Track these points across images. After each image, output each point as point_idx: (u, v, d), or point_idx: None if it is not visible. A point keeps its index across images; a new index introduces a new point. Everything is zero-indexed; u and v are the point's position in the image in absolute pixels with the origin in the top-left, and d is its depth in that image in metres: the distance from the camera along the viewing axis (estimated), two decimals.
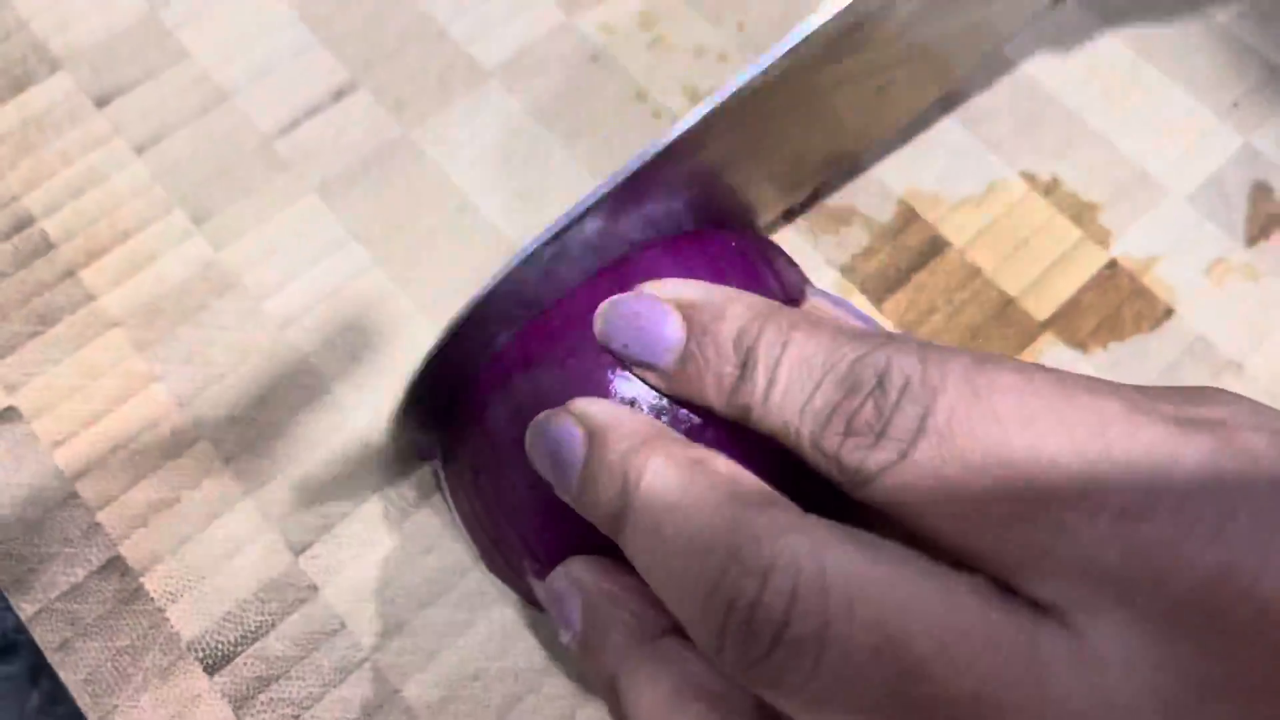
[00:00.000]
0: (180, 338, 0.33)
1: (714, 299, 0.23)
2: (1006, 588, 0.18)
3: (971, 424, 0.18)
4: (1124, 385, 0.19)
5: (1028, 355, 0.33)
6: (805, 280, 0.28)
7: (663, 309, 0.23)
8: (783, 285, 0.26)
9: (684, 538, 0.19)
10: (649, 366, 0.23)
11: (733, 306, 0.22)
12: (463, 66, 0.38)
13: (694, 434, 0.23)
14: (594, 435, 0.22)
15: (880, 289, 0.34)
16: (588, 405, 0.23)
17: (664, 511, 0.20)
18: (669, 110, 0.37)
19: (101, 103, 0.37)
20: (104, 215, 0.35)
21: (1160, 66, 0.38)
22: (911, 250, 0.35)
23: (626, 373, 0.24)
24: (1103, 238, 0.35)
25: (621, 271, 0.25)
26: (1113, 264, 0.35)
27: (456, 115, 0.37)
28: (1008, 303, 0.34)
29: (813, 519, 0.19)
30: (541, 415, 0.23)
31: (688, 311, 0.23)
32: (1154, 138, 0.37)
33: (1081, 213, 0.35)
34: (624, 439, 0.21)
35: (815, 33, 0.23)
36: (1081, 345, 0.34)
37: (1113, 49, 0.38)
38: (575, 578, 0.24)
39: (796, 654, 0.17)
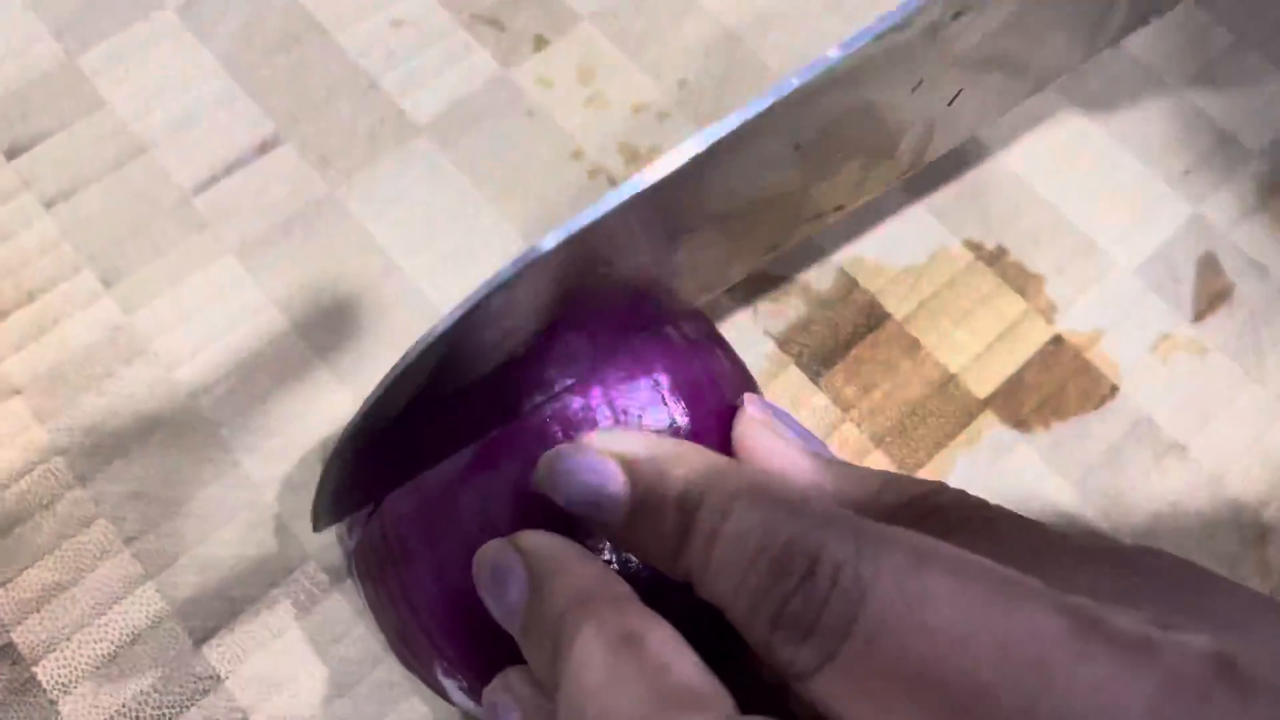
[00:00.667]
0: (84, 407, 0.32)
1: (656, 454, 0.22)
2: None
3: (901, 635, 0.17)
4: (1088, 558, 0.18)
5: (968, 434, 0.32)
6: (748, 380, 0.27)
7: (608, 468, 0.22)
8: (723, 399, 0.25)
9: None
10: (595, 521, 0.22)
11: (676, 468, 0.21)
12: (393, 121, 0.36)
13: (647, 578, 0.22)
14: (535, 577, 0.21)
15: (818, 363, 0.33)
16: (533, 540, 0.22)
17: (586, 693, 0.19)
18: (605, 169, 0.36)
19: (12, 154, 0.35)
20: (8, 274, 0.33)
21: (1110, 130, 0.37)
22: (850, 322, 0.34)
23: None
24: (1048, 311, 0.34)
25: (565, 416, 0.24)
26: (1057, 339, 0.34)
27: (384, 172, 0.35)
28: (949, 379, 0.33)
29: None
30: (488, 544, 0.23)
31: (631, 466, 0.22)
32: (1103, 206, 0.36)
33: (1026, 284, 0.34)
34: (563, 593, 0.21)
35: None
36: (1023, 424, 0.33)
37: (1063, 112, 0.37)
38: (514, 691, 0.22)
39: None
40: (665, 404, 0.25)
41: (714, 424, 0.26)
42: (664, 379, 0.26)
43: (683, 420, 0.25)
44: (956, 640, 0.16)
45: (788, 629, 0.18)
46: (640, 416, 0.25)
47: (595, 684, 0.19)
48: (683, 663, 0.19)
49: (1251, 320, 0.34)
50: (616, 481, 0.22)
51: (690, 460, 0.22)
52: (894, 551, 0.17)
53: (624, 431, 0.23)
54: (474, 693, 0.25)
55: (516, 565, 0.22)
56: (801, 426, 0.26)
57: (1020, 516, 0.22)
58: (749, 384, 0.28)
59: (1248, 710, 0.15)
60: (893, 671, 0.17)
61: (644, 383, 0.26)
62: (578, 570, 0.21)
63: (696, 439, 0.25)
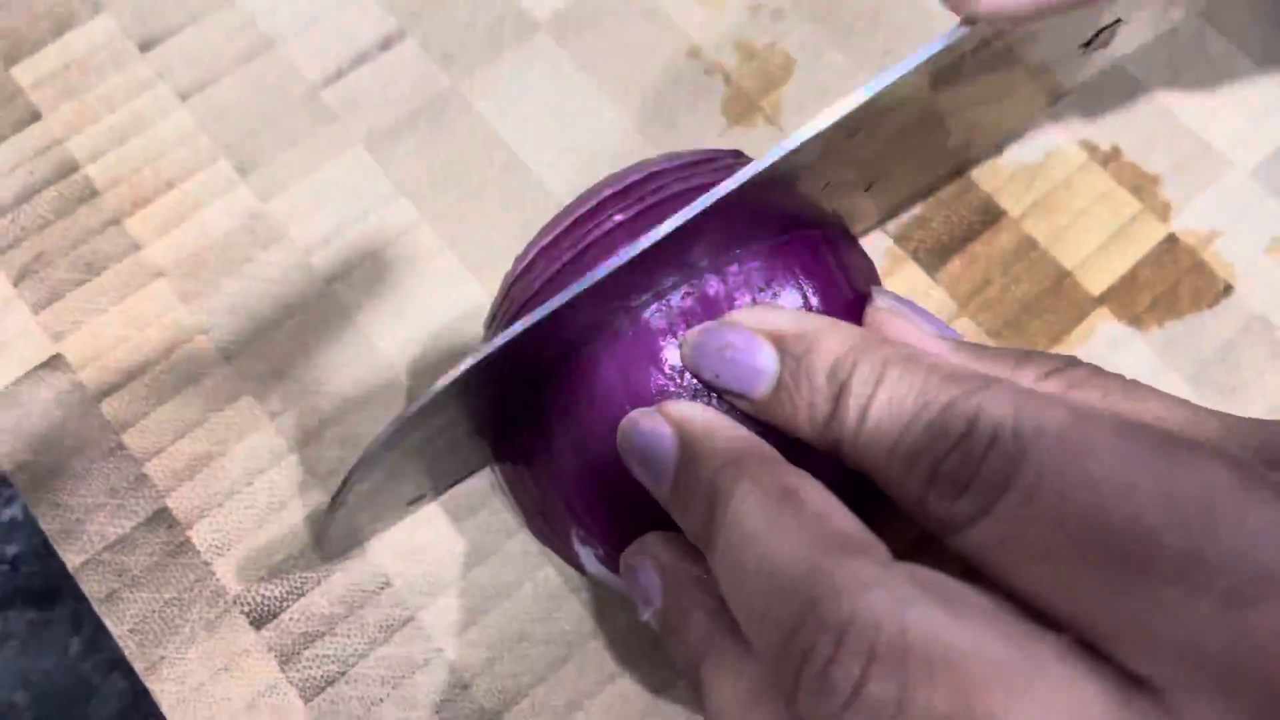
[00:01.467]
0: (225, 290, 0.33)
1: (806, 329, 0.22)
2: (1099, 653, 0.17)
3: (1062, 486, 0.17)
4: (1236, 442, 0.18)
5: (1081, 331, 0.33)
6: (875, 277, 0.27)
7: (755, 341, 0.23)
8: (855, 289, 0.26)
9: (765, 576, 0.19)
10: (740, 395, 0.23)
11: (826, 339, 0.22)
12: (513, 18, 0.37)
13: (786, 450, 0.22)
14: (686, 444, 0.22)
15: (934, 259, 0.34)
16: (681, 409, 0.23)
17: (747, 544, 0.19)
18: (721, 67, 0.36)
19: (145, 47, 0.36)
20: (148, 163, 0.34)
21: (1227, 36, 0.37)
22: (966, 219, 0.34)
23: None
24: (1163, 211, 0.34)
25: (704, 294, 0.25)
26: (1172, 238, 0.34)
27: (506, 69, 0.36)
28: (1063, 276, 0.33)
29: (898, 569, 0.18)
30: (635, 413, 0.23)
31: (779, 341, 0.22)
32: (1218, 109, 0.36)
33: (1141, 184, 0.35)
34: (715, 454, 0.21)
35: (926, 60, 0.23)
36: (1137, 322, 0.33)
37: (1183, 21, 0.37)
38: (654, 555, 0.23)
39: (872, 716, 0.17)
40: (800, 287, 0.26)
41: (846, 311, 0.26)
42: (798, 265, 0.26)
43: (815, 302, 0.26)
44: (1120, 488, 0.16)
45: (944, 484, 0.18)
46: (776, 296, 0.26)
47: (756, 532, 0.19)
48: (840, 514, 0.20)
49: None
50: (766, 356, 0.22)
51: (840, 333, 0.22)
52: (1053, 410, 0.18)
53: (772, 307, 0.24)
54: (609, 560, 0.26)
55: (665, 430, 0.22)
56: (931, 315, 0.26)
57: (1158, 390, 0.22)
58: (876, 280, 0.28)
59: None
60: (1053, 521, 0.17)
61: (780, 265, 0.26)
62: (728, 433, 0.22)
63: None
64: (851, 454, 0.21)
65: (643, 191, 0.26)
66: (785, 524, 0.19)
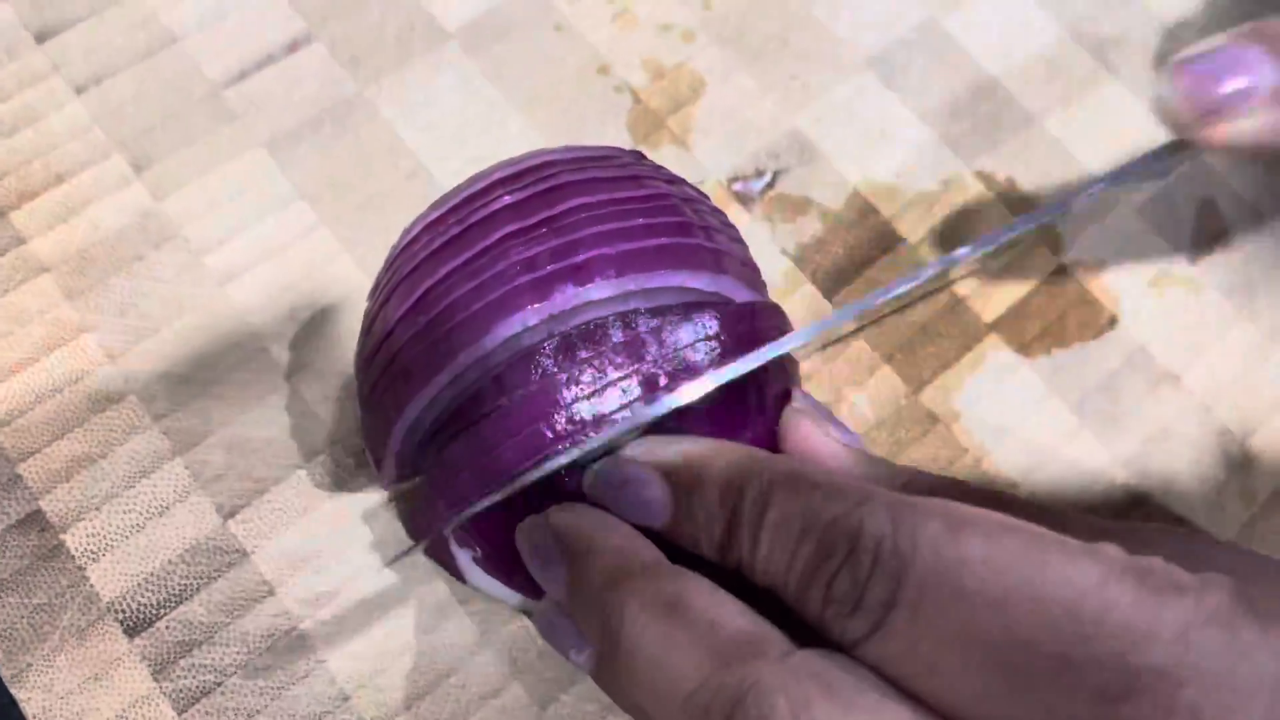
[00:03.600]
0: (113, 288, 0.32)
1: (693, 459, 0.23)
2: None
3: (942, 602, 0.18)
4: (1104, 533, 0.19)
5: (973, 356, 0.34)
6: (794, 381, 0.28)
7: (644, 476, 0.23)
8: (764, 407, 0.26)
9: (668, 698, 0.20)
10: (644, 526, 0.24)
11: (712, 467, 0.23)
12: (423, 25, 0.37)
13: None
14: (572, 559, 0.23)
15: (831, 281, 0.34)
16: (564, 520, 0.24)
17: (646, 670, 0.20)
18: (629, 85, 0.36)
19: (41, 38, 0.35)
20: (38, 156, 0.33)
21: (1120, 76, 0.38)
22: (864, 244, 0.35)
23: None
24: (1054, 243, 0.35)
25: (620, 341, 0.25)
26: (1062, 269, 0.35)
27: (414, 76, 0.36)
28: (957, 302, 0.34)
29: (795, 664, 0.19)
30: (526, 521, 0.24)
31: (670, 472, 0.23)
32: (1109, 147, 0.37)
33: None
34: (598, 573, 0.22)
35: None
36: (1025, 349, 0.34)
37: (1074, 55, 0.38)
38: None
39: None
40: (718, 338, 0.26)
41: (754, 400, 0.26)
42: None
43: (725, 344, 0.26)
44: (993, 601, 0.17)
45: (837, 604, 0.19)
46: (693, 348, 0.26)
47: (652, 656, 0.20)
48: (728, 613, 0.20)
49: (1245, 261, 0.36)
50: (656, 489, 0.23)
51: (725, 457, 0.23)
52: (929, 521, 0.19)
53: (658, 439, 0.24)
54: (487, 563, 0.26)
55: (553, 547, 0.24)
56: (839, 422, 0.27)
57: (1037, 503, 0.23)
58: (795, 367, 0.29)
59: (1266, 637, 0.17)
60: (938, 634, 0.18)
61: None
62: (606, 544, 0.23)
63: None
64: (752, 576, 0.22)
65: (535, 177, 0.26)
66: (677, 640, 0.20)
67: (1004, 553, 0.18)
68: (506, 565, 0.26)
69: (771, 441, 0.26)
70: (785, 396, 0.27)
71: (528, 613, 0.29)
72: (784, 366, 0.27)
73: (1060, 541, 0.18)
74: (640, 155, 0.29)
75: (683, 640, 0.20)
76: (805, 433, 0.26)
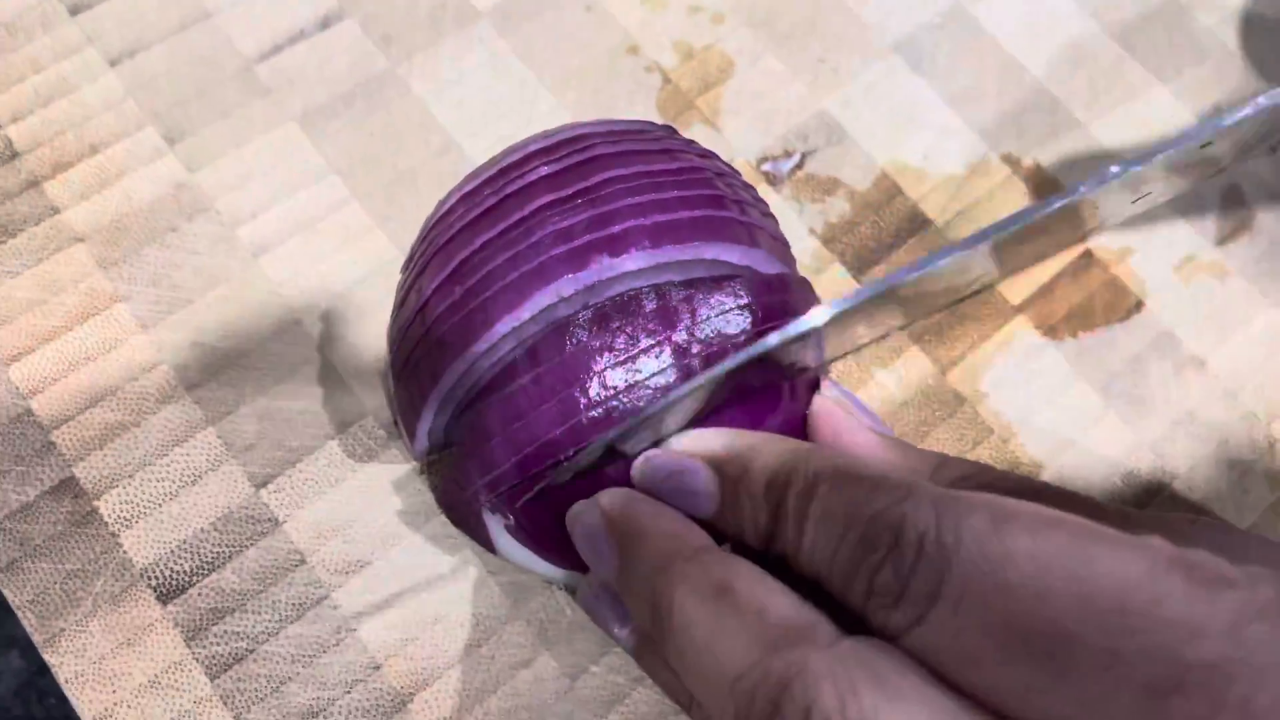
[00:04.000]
0: (146, 259, 0.32)
1: (739, 449, 0.24)
2: None
3: (986, 595, 0.18)
4: (1141, 525, 0.19)
5: (1000, 338, 0.34)
6: (824, 370, 0.28)
7: (693, 466, 0.24)
8: (795, 394, 0.27)
9: (718, 680, 0.20)
10: (692, 514, 0.24)
11: (759, 457, 0.23)
12: (455, 4, 0.37)
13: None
14: (622, 544, 0.23)
15: (860, 263, 0.34)
16: (615, 502, 0.24)
17: (697, 653, 0.21)
18: (659, 65, 0.37)
19: (75, 10, 0.35)
20: (72, 127, 0.34)
21: (1145, 64, 0.38)
22: (893, 226, 0.35)
23: None
24: (1080, 227, 0.35)
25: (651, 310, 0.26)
26: (1088, 254, 0.35)
27: (445, 53, 0.36)
28: (984, 288, 0.34)
29: (841, 651, 0.19)
30: (577, 505, 0.25)
31: (717, 464, 0.24)
32: (1134, 134, 0.37)
33: None
34: (649, 557, 0.23)
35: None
36: (1052, 332, 0.34)
37: (1100, 43, 0.38)
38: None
39: None
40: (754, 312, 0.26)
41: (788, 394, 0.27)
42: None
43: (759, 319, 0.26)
44: (1038, 595, 0.17)
45: (880, 597, 0.19)
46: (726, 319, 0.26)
47: (703, 640, 0.21)
48: (775, 600, 0.21)
49: (1270, 247, 0.36)
50: (704, 479, 0.24)
51: (771, 449, 0.23)
52: (973, 515, 0.19)
53: (706, 431, 0.25)
54: (518, 532, 0.26)
55: (603, 527, 0.24)
56: (869, 409, 0.27)
57: (1069, 491, 0.23)
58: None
59: None
60: (981, 627, 0.18)
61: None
62: (659, 527, 0.23)
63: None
64: (796, 566, 0.22)
65: (570, 149, 0.26)
66: (726, 625, 0.20)
67: (1049, 546, 0.18)
68: (538, 535, 0.26)
69: (801, 429, 0.27)
70: (814, 385, 0.27)
71: (561, 585, 0.29)
72: (811, 353, 0.28)
73: (1106, 534, 0.18)
74: (672, 130, 0.29)
75: (732, 625, 0.20)
76: (837, 421, 0.26)
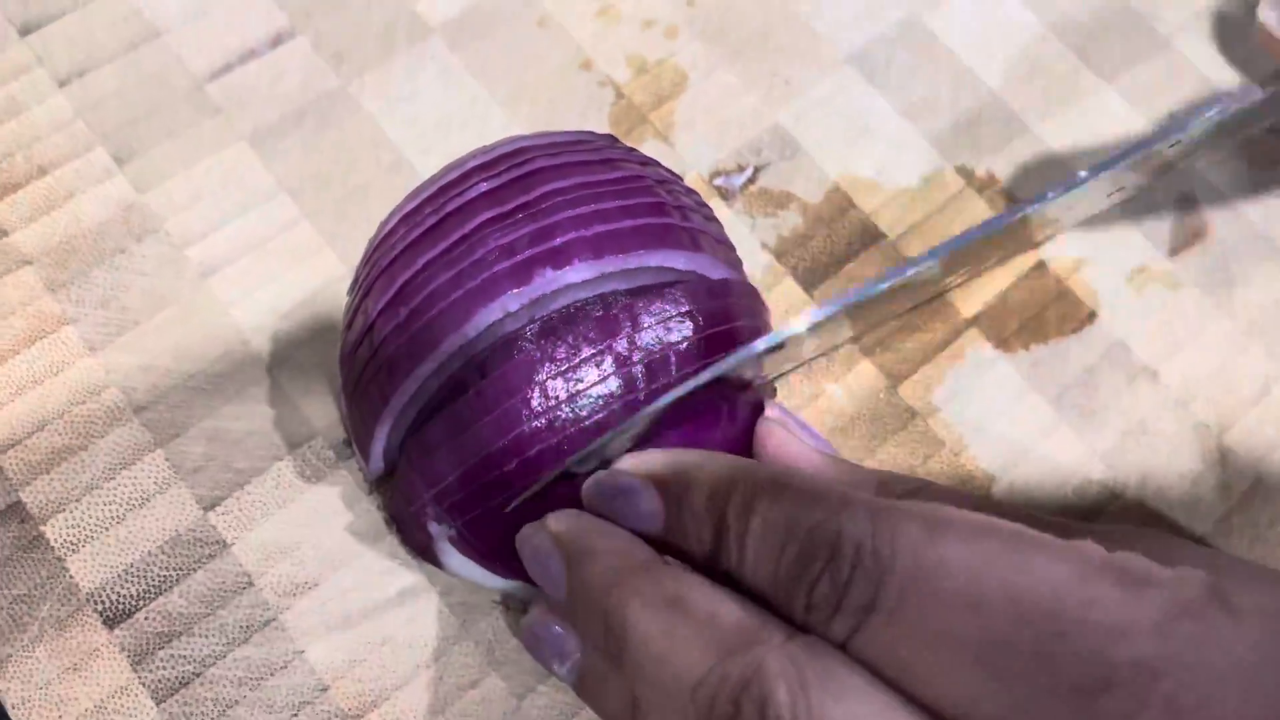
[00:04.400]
0: (95, 280, 0.32)
1: (681, 467, 0.24)
2: None
3: (921, 604, 0.18)
4: (1077, 534, 0.19)
5: (953, 351, 0.34)
6: (767, 392, 0.28)
7: (637, 485, 0.24)
8: (734, 413, 0.27)
9: (677, 691, 0.20)
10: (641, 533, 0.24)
11: (699, 475, 0.23)
12: (406, 20, 0.37)
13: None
14: (572, 564, 0.23)
15: (812, 276, 0.34)
16: (563, 524, 0.24)
17: (656, 665, 0.21)
18: (613, 80, 0.37)
19: (25, 31, 0.35)
20: (20, 148, 0.33)
21: (1099, 72, 0.38)
22: (844, 239, 0.35)
23: None
24: (1032, 237, 0.35)
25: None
26: (1041, 265, 0.35)
27: (397, 71, 0.36)
28: (937, 296, 0.34)
29: (795, 647, 0.19)
30: (526, 528, 0.25)
31: (661, 481, 0.24)
32: (1089, 142, 0.37)
33: None
34: (599, 574, 0.23)
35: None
36: (1005, 344, 0.34)
37: (1055, 51, 0.38)
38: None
39: None
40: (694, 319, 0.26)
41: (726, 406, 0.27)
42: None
43: (704, 333, 0.26)
44: (972, 602, 0.18)
45: (818, 609, 0.20)
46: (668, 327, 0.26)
47: (660, 653, 0.21)
48: (726, 607, 0.21)
49: (1223, 257, 0.36)
50: (647, 498, 0.24)
51: (713, 466, 0.23)
52: (908, 525, 0.19)
53: (650, 451, 0.25)
54: (462, 543, 0.26)
55: (552, 549, 0.24)
56: (812, 429, 0.28)
57: (1010, 504, 0.24)
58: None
59: (1239, 628, 0.17)
60: (918, 636, 0.18)
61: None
62: (607, 545, 0.23)
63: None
64: (741, 580, 0.22)
65: (510, 163, 0.26)
66: (680, 634, 0.21)
67: (982, 553, 0.18)
68: (484, 549, 0.26)
69: (745, 446, 0.27)
70: (757, 402, 0.27)
71: (508, 599, 0.29)
72: (751, 370, 0.28)
73: (1039, 539, 0.18)
74: (614, 139, 0.29)
75: (686, 634, 0.21)
76: (780, 439, 0.26)
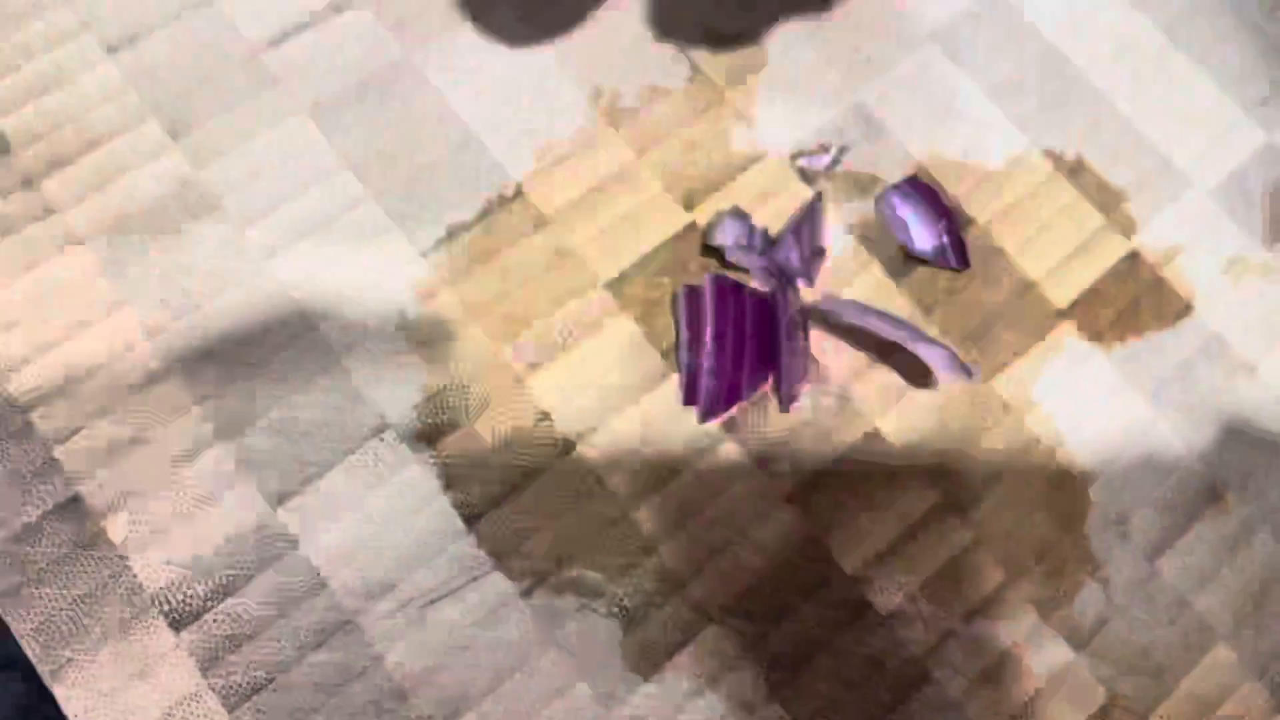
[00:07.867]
0: (152, 262, 0.30)
1: None
2: None
3: None
4: None
5: (1046, 344, 0.32)
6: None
7: None
8: None
9: None
10: None
11: None
12: None
13: None
14: None
15: (898, 263, 0.33)
16: None
17: None
18: (687, 52, 0.35)
19: None
20: (69, 120, 0.32)
21: (1190, 54, 0.37)
22: None
23: None
24: (1126, 226, 0.34)
25: None
26: (1134, 254, 0.34)
27: (464, 40, 0.34)
28: (1028, 287, 0.33)
29: None
30: None
31: None
32: (1179, 126, 0.36)
33: (1107, 199, 0.34)
34: None
35: None
36: (1099, 337, 0.33)
37: (1143, 32, 0.37)
38: None
39: None
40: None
41: None
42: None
43: None
44: None
45: None
46: None
47: None
48: None
49: None
50: None
51: None
52: None
53: None
54: None
55: None
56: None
57: None
58: None
59: None
60: None
61: None
62: None
63: None
64: None
65: None
66: None
67: None
68: None
69: None
70: None
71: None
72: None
73: None
74: None
75: None
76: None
